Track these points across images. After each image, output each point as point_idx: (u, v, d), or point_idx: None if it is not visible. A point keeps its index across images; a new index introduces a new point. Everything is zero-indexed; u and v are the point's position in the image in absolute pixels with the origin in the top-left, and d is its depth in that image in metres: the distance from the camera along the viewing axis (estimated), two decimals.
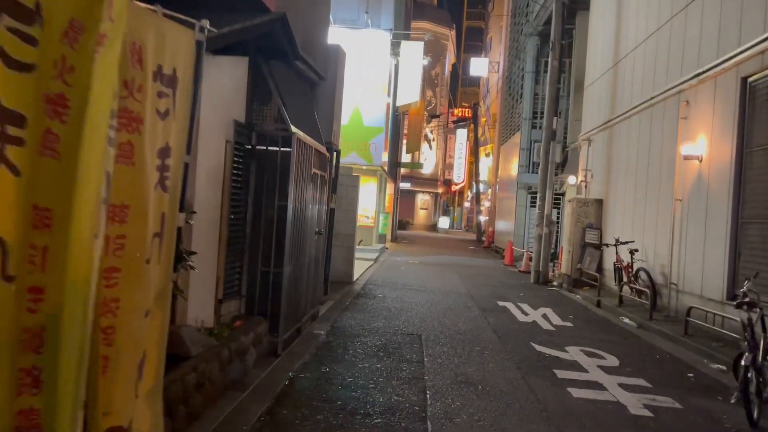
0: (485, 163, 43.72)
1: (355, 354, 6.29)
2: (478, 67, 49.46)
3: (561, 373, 6.14)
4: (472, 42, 64.75)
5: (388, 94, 20.35)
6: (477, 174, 36.34)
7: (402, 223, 43.65)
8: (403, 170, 41.85)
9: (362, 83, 18.64)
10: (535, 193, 22.88)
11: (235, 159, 5.71)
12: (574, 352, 7.15)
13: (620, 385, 5.85)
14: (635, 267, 11.28)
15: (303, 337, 6.80)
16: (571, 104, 21.45)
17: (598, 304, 12.03)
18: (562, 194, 22.69)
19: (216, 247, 5.28)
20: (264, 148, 6.11)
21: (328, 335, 7.13)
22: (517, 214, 23.13)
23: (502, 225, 27.43)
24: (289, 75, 7.43)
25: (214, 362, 4.28)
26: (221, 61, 5.17)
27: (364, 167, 19.74)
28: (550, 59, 15.17)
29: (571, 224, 14.75)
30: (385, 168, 21.13)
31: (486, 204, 42.03)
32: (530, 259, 18.32)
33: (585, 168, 16.00)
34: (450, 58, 52.38)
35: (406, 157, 32.07)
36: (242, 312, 5.96)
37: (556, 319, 9.58)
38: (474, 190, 46.54)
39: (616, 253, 11.93)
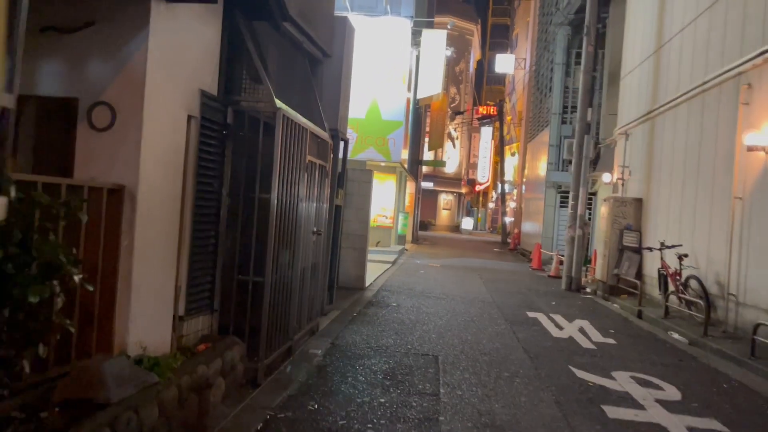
0: (510, 163, 42.28)
1: (354, 382, 5.12)
2: (504, 63, 47.97)
3: (611, 411, 4.90)
4: (498, 39, 63.20)
5: (408, 88, 19.18)
6: (502, 173, 34.90)
7: (424, 224, 42.39)
8: (425, 169, 40.60)
9: (380, 74, 17.49)
10: (565, 192, 21.50)
11: (205, 140, 4.59)
12: (623, 380, 5.88)
13: (690, 430, 4.58)
14: (684, 274, 9.93)
15: (295, 359, 5.65)
16: (604, 98, 20.02)
17: (640, 315, 10.71)
18: (594, 194, 21.28)
19: (174, 249, 4.15)
20: (245, 128, 4.97)
21: (326, 356, 5.96)
22: (545, 214, 21.75)
23: (529, 227, 26.04)
24: (283, 46, 6.29)
25: (149, 408, 3.15)
26: (181, 11, 4.05)
27: (383, 164, 18.59)
28: (584, 46, 13.83)
29: (607, 226, 13.41)
30: (405, 165, 19.94)
31: (511, 205, 40.57)
32: (560, 263, 17.00)
33: (622, 164, 14.61)
34: (475, 54, 50.99)
35: (428, 155, 30.83)
36: (214, 331, 4.83)
37: (596, 335, 8.29)
38: (499, 191, 45.11)
39: (662, 258, 10.58)
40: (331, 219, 7.75)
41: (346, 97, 8.25)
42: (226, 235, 4.90)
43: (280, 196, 4.90)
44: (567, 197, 21.67)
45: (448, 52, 21.26)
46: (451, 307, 9.64)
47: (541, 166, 23.97)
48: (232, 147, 4.91)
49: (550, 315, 9.71)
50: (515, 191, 43.72)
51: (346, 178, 10.45)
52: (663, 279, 10.55)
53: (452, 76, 44.62)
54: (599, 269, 13.78)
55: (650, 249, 10.80)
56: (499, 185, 42.22)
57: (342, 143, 8.22)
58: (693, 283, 9.64)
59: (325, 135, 6.63)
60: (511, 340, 7.43)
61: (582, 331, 8.53)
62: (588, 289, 14.15)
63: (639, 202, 13.31)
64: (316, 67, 7.73)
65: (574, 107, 21.48)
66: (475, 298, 11.02)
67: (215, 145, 4.75)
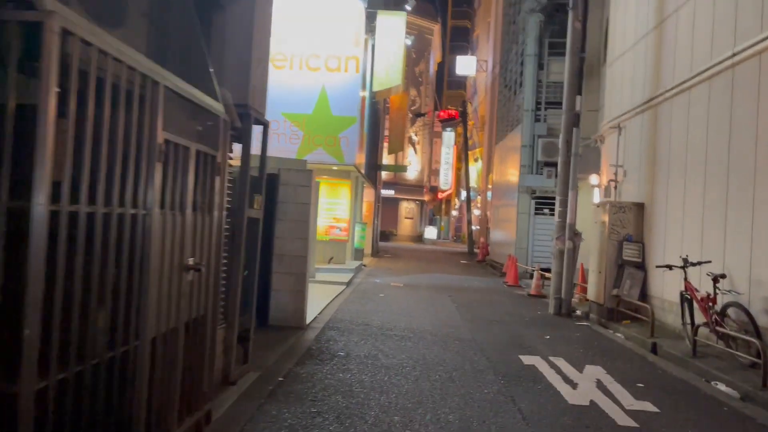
0: (473, 169, 40.21)
1: None
2: (465, 65, 46.11)
3: None
4: (458, 42, 61.49)
5: (363, 86, 16.73)
6: (467, 179, 32.72)
7: (385, 234, 39.91)
8: (384, 175, 38.17)
9: (330, 61, 14.98)
10: (541, 198, 19.34)
11: None
12: None
13: None
14: (720, 300, 7.67)
15: None
16: (582, 94, 17.94)
17: (655, 350, 8.45)
18: None
19: None
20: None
21: None
22: (518, 223, 19.50)
23: (500, 236, 23.80)
24: None
25: None
26: None
27: (335, 167, 16.05)
28: (570, 21, 11.58)
29: (603, 236, 11.15)
30: (362, 169, 17.43)
31: (475, 212, 38.47)
32: (540, 279, 14.72)
33: (614, 164, 12.41)
34: (435, 55, 48.97)
35: (388, 160, 28.40)
36: None
37: (624, 395, 5.88)
38: (462, 197, 43.00)
39: (685, 278, 8.29)
40: (239, 239, 5.16)
41: (263, 60, 5.68)
42: None
43: (67, 201, 2.31)
44: (543, 204, 19.56)
45: (408, 41, 18.88)
46: (420, 354, 7.12)
47: (511, 170, 21.79)
48: None
49: (551, 359, 7.29)
50: (479, 198, 41.70)
51: (278, 182, 7.88)
52: (687, 305, 8.27)
53: (412, 78, 42.40)
54: (592, 288, 11.50)
55: (669, 267, 8.51)
56: (465, 192, 40.13)
57: (260, 127, 5.67)
58: (734, 312, 7.37)
59: (215, 106, 4.05)
60: (513, 418, 4.94)
61: (602, 387, 6.12)
62: (578, 312, 11.86)
63: (640, 207, 11.09)
64: (214, 13, 5.15)
65: (549, 103, 19.39)
66: (450, 335, 8.54)
67: None
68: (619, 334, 9.80)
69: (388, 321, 9.32)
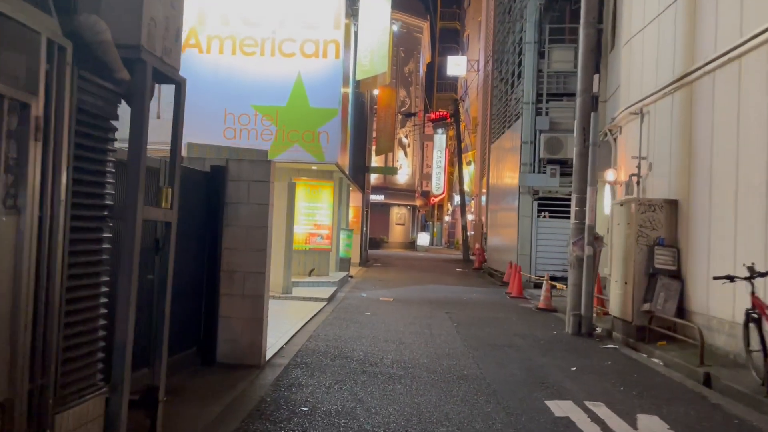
0: (466, 173, 38.44)
1: None
2: (456, 66, 44.47)
3: None
4: (448, 44, 59.84)
5: (346, 77, 14.93)
6: (461, 181, 30.93)
7: (375, 242, 38.03)
8: (374, 180, 36.32)
9: (305, 45, 13.17)
10: (545, 199, 17.55)
11: None
12: None
13: None
14: None
15: None
16: (600, 73, 16.19)
17: (708, 382, 6.69)
18: None
19: None
20: None
21: None
22: (519, 227, 17.68)
23: (498, 242, 21.98)
24: None
25: None
26: None
27: (314, 167, 14.20)
28: None
29: (628, 240, 9.35)
30: (346, 170, 15.58)
31: (469, 217, 36.68)
32: (550, 290, 12.91)
33: (637, 155, 10.64)
34: (425, 55, 47.28)
35: (376, 162, 26.52)
36: None
37: None
38: (456, 202, 41.20)
39: (752, 292, 6.47)
40: (130, 251, 3.29)
41: None
42: None
43: None
44: (546, 205, 17.80)
45: (395, 27, 17.10)
46: (413, 406, 5.25)
47: (509, 171, 20.01)
48: None
49: (588, 407, 5.44)
50: (473, 202, 39.95)
51: (226, 176, 6.07)
52: (756, 325, 6.45)
53: (401, 78, 40.65)
54: (616, 302, 9.70)
55: (730, 279, 6.69)
56: (456, 196, 38.31)
57: (177, 86, 3.82)
58: None
59: (28, 16, 2.17)
60: None
61: None
62: (598, 329, 10.05)
63: (673, 205, 9.30)
64: None
65: (551, 95, 17.65)
66: (452, 370, 6.67)
67: None
68: (656, 360, 8.00)
69: (373, 351, 7.45)
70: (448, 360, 7.18)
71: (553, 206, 17.34)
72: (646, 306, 8.99)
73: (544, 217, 17.30)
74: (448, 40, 61.45)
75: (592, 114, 9.63)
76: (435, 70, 59.27)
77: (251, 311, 6.27)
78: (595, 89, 9.78)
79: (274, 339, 7.62)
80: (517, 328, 9.98)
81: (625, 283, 9.42)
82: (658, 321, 8.85)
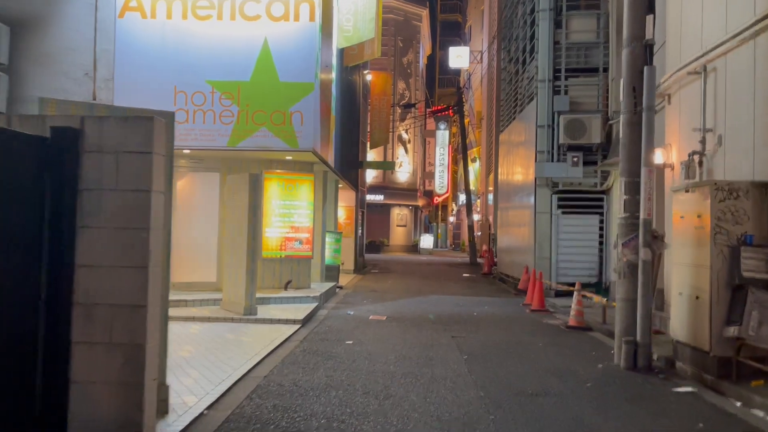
0: (471, 170, 35.87)
1: None
2: (458, 57, 41.94)
3: None
4: (449, 38, 57.30)
5: (334, 47, 12.42)
6: (467, 178, 28.35)
7: (375, 245, 35.48)
8: (373, 179, 33.76)
9: (272, 6, 10.66)
10: (565, 192, 14.97)
11: None
12: None
13: None
14: None
15: None
16: (613, 62, 13.67)
17: None
18: (605, 192, 14.82)
19: None
20: None
21: None
22: (537, 226, 15.11)
23: (510, 243, 19.39)
24: None
25: None
26: None
27: (289, 156, 11.67)
28: None
29: (698, 239, 6.80)
30: (330, 160, 13.05)
31: (475, 217, 34.10)
32: (581, 303, 10.36)
33: (700, 128, 8.07)
34: (425, 46, 44.73)
35: (373, 156, 23.93)
36: None
37: None
38: (461, 201, 38.58)
39: None
40: None
41: None
42: None
43: None
44: (567, 199, 15.23)
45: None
46: None
47: (521, 163, 17.45)
48: None
49: None
50: (478, 201, 37.40)
51: (79, 143, 3.51)
52: None
53: (400, 69, 38.11)
54: (681, 323, 7.14)
55: None
56: (461, 195, 35.71)
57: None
58: None
59: None
60: None
61: None
62: (654, 356, 7.49)
63: (763, 190, 6.72)
64: None
65: (570, 70, 15.11)
66: None
67: None
68: (758, 412, 5.45)
69: (343, 417, 4.89)
70: (457, 428, 4.62)
71: (576, 200, 14.82)
72: (733, 330, 6.42)
73: (577, 211, 14.81)
74: (450, 34, 58.94)
75: (646, 68, 7.06)
76: (436, 64, 56.76)
77: (125, 371, 3.73)
78: (647, 36, 7.21)
79: (202, 393, 5.12)
80: (549, 360, 7.40)
81: (697, 298, 6.86)
82: (750, 350, 6.31)
